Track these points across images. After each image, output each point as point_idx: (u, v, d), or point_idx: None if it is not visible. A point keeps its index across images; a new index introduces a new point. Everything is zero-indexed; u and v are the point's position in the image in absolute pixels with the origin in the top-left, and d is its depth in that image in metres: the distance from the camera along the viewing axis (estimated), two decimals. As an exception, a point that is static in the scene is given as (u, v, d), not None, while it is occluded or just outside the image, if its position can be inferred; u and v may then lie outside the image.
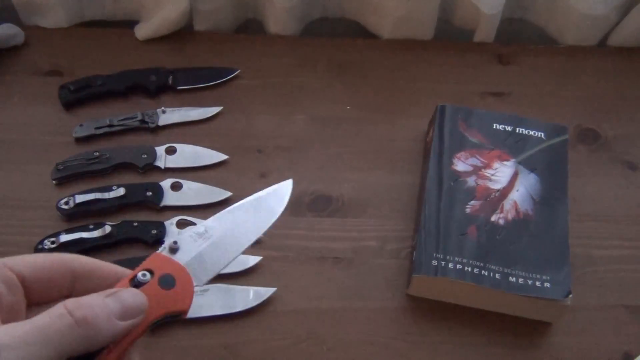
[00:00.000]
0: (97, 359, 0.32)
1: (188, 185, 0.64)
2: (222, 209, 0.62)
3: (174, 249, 0.40)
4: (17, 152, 0.66)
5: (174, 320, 0.37)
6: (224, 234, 0.42)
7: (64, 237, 0.58)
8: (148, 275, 0.37)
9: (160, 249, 0.39)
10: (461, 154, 0.64)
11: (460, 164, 0.63)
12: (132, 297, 0.34)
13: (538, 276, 0.56)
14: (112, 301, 0.33)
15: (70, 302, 0.32)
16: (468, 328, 0.57)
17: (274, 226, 0.62)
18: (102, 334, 0.32)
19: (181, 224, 0.61)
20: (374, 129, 0.71)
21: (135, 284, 0.36)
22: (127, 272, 0.37)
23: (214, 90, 0.73)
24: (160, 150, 0.66)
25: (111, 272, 0.37)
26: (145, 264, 0.38)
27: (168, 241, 0.40)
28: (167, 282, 0.37)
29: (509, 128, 0.66)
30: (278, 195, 0.46)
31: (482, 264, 0.56)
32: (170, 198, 0.63)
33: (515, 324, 0.58)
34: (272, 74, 0.75)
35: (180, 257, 0.39)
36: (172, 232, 0.60)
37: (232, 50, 0.77)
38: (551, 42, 0.83)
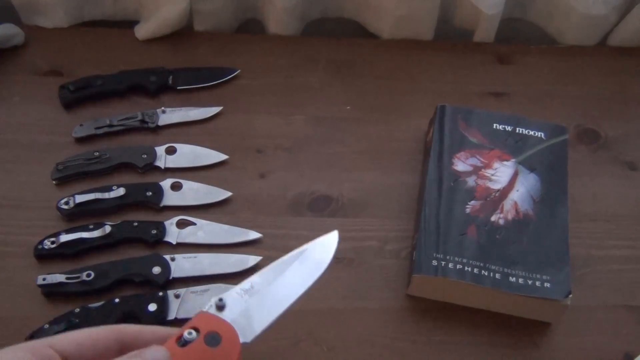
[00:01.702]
0: None
1: (188, 185, 0.64)
2: (222, 209, 0.63)
3: (220, 307, 0.39)
4: (17, 152, 0.66)
5: None
6: (270, 289, 0.42)
7: (64, 237, 0.58)
8: (194, 333, 0.37)
9: (206, 307, 0.39)
10: (461, 154, 0.64)
11: (460, 164, 0.63)
12: (152, 351, 0.35)
13: (538, 276, 0.56)
14: (133, 357, 0.34)
15: None
16: (468, 328, 0.57)
17: (275, 226, 0.62)
18: None
19: (181, 224, 0.61)
20: (374, 129, 0.71)
21: (182, 343, 0.36)
22: (174, 332, 0.37)
23: (214, 90, 0.73)
24: (160, 150, 0.66)
25: (158, 335, 0.37)
26: (192, 322, 0.38)
27: (214, 298, 0.40)
28: (213, 340, 0.37)
29: (509, 128, 0.66)
30: (324, 247, 0.45)
31: (482, 264, 0.56)
32: (170, 198, 0.63)
33: (515, 324, 0.58)
34: (272, 74, 0.75)
35: (227, 315, 0.39)
36: (172, 232, 0.60)
37: (232, 50, 0.77)
38: (551, 42, 0.83)
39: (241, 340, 0.38)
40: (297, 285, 0.43)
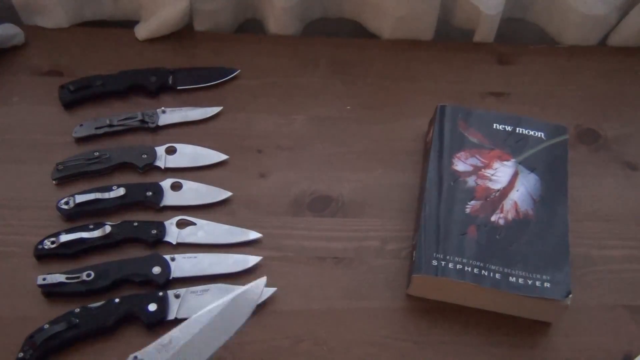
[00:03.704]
0: None
1: (188, 185, 0.64)
2: (222, 209, 0.63)
3: None
4: (17, 152, 0.66)
5: None
6: (188, 344, 0.43)
7: (64, 237, 0.58)
8: None
9: None
10: (461, 154, 0.64)
11: (460, 164, 0.63)
12: None
13: (538, 276, 0.56)
14: None
15: None
16: (468, 328, 0.57)
17: (275, 226, 0.62)
18: None
19: (181, 224, 0.61)
20: (374, 129, 0.71)
21: None
22: None
23: (214, 90, 0.73)
24: (160, 150, 0.66)
25: None
26: None
27: (131, 356, 0.41)
28: None
29: (509, 128, 0.66)
30: (247, 297, 0.46)
31: (482, 264, 0.56)
32: (170, 198, 0.63)
33: (515, 324, 0.58)
34: (272, 74, 0.75)
35: None
36: (172, 232, 0.60)
37: (232, 50, 0.77)
38: (551, 42, 0.83)
39: None
40: (215, 340, 0.44)
